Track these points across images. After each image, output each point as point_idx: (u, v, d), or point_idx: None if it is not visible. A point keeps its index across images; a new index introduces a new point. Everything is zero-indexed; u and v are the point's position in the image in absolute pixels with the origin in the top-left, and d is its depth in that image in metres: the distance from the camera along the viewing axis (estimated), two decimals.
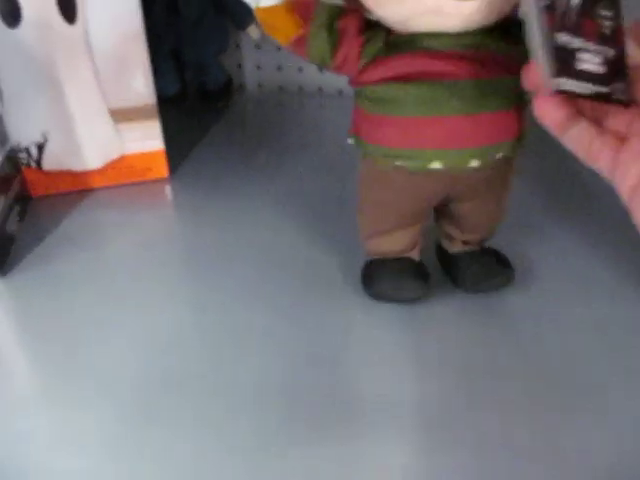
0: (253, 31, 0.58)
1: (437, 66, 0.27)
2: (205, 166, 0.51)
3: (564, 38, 0.23)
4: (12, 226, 0.42)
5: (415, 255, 0.35)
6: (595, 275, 0.38)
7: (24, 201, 0.45)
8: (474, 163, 0.29)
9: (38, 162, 0.45)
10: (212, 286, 0.38)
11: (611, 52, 0.23)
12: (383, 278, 0.35)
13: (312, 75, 0.63)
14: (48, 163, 0.46)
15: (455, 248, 0.35)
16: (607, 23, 0.23)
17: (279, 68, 0.64)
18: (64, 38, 0.41)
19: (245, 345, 0.34)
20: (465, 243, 0.35)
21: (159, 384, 0.32)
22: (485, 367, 0.32)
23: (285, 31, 0.29)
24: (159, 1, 0.54)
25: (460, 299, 0.36)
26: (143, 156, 0.47)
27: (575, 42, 0.23)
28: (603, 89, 0.23)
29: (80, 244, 0.42)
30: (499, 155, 0.29)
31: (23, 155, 0.45)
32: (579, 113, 0.24)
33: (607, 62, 0.23)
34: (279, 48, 0.62)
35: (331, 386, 0.31)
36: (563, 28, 0.23)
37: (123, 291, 0.38)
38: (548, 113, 0.24)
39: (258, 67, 0.64)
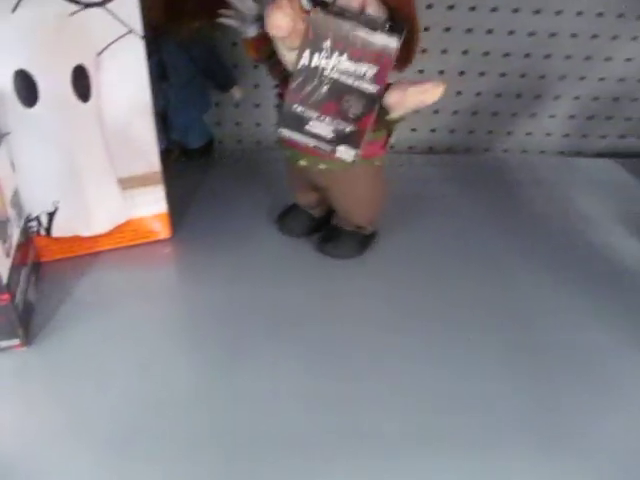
0: (237, 91, 0.62)
1: None
2: (200, 224, 0.55)
3: (299, 109, 0.37)
4: (31, 295, 0.43)
5: (315, 213, 0.52)
6: None
7: (37, 268, 0.47)
8: (321, 166, 0.43)
9: (48, 230, 0.47)
10: (214, 344, 0.42)
11: (348, 127, 0.37)
12: (284, 214, 0.54)
13: None
14: (57, 230, 0.48)
15: (334, 220, 0.51)
16: (352, 111, 0.37)
17: (257, 125, 0.68)
18: (77, 115, 0.44)
19: (254, 405, 0.37)
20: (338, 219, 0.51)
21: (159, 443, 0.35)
22: None
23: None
24: (150, 70, 0.57)
25: None
26: (148, 219, 0.50)
27: (309, 114, 0.37)
28: (326, 147, 0.39)
29: (91, 307, 0.45)
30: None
31: (33, 224, 0.47)
32: None
33: (337, 132, 0.37)
34: (257, 105, 0.66)
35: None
36: (301, 103, 0.37)
37: (134, 350, 0.42)
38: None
39: (237, 124, 0.68)
